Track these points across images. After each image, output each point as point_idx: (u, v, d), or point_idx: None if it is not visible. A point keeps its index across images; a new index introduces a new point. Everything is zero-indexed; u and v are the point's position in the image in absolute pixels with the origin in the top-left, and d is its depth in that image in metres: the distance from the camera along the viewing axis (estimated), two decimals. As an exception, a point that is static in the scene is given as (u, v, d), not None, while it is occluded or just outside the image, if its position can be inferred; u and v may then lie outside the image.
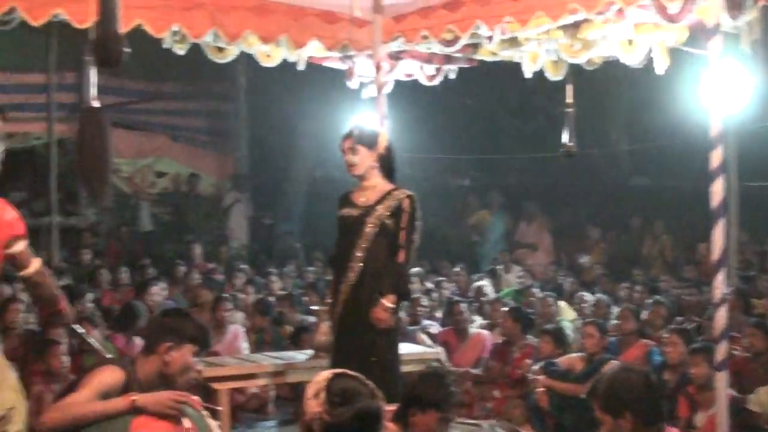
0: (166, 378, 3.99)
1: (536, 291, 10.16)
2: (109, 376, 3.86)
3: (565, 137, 7.19)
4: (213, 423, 3.93)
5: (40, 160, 14.62)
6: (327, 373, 3.49)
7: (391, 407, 3.87)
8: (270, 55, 7.60)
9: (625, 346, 7.51)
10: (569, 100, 6.87)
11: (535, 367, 7.38)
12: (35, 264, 4.40)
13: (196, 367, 4.07)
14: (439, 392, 4.40)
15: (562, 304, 9.62)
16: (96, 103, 4.98)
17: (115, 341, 7.84)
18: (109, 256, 13.30)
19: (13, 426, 4.52)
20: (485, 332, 8.64)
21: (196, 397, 3.82)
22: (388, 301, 5.66)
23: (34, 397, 6.60)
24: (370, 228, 5.76)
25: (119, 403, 3.70)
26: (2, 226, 4.25)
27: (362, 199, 5.87)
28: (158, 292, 9.33)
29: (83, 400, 3.71)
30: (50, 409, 3.77)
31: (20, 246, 4.33)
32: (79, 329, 5.42)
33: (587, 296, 9.50)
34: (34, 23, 6.23)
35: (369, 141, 5.85)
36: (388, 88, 7.58)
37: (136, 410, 3.67)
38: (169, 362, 3.96)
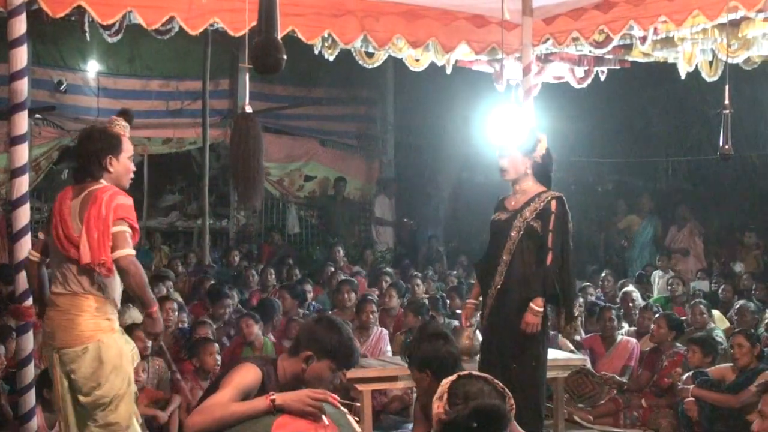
0: (300, 383, 4.00)
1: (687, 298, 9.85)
2: (248, 374, 3.90)
3: (721, 140, 6.93)
4: (352, 419, 3.96)
5: (195, 164, 15.20)
6: (453, 376, 3.50)
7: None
8: (418, 60, 7.66)
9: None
10: (726, 101, 6.61)
11: (685, 377, 7.16)
12: (125, 251, 4.61)
13: (333, 381, 4.05)
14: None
15: (717, 313, 9.27)
16: (248, 109, 5.12)
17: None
18: (260, 257, 13.65)
19: (114, 414, 4.67)
20: (633, 340, 8.42)
21: (334, 395, 3.82)
22: (536, 305, 5.55)
23: (185, 394, 6.86)
24: (515, 231, 5.68)
25: (260, 403, 3.72)
26: (113, 208, 4.59)
27: (512, 203, 5.81)
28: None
29: (226, 400, 3.76)
30: (194, 412, 3.80)
31: (118, 228, 4.60)
32: (161, 345, 5.41)
33: (751, 305, 9.10)
34: (192, 32, 6.48)
35: (526, 148, 5.76)
36: (536, 91, 7.51)
37: (276, 409, 3.69)
38: (305, 370, 3.99)
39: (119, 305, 4.86)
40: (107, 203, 4.59)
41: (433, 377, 4.40)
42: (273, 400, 3.69)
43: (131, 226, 4.68)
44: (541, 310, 5.57)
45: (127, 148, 4.85)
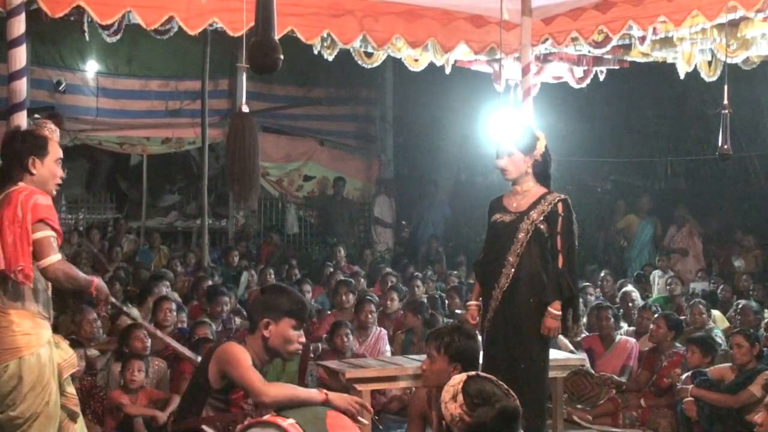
0: (271, 352, 4.26)
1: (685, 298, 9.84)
2: (247, 354, 4.17)
3: (720, 140, 6.94)
4: None
5: (194, 164, 15.19)
6: (461, 376, 3.52)
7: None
8: (417, 60, 7.66)
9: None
10: (725, 101, 6.62)
11: (684, 377, 7.16)
12: (52, 259, 4.30)
13: (300, 340, 4.31)
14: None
15: (717, 313, 9.26)
16: (246, 109, 5.12)
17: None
18: (260, 257, 13.65)
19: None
20: (632, 339, 8.42)
21: (370, 407, 4.29)
22: (554, 309, 5.56)
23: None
24: (523, 234, 5.65)
25: (317, 395, 4.12)
26: (30, 208, 4.28)
27: (514, 204, 5.78)
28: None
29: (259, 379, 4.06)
30: (269, 384, 4.08)
31: (41, 234, 4.29)
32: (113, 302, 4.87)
33: (753, 305, 9.08)
34: (191, 32, 6.47)
35: (526, 147, 5.75)
36: (535, 91, 7.51)
37: (327, 402, 4.07)
38: (268, 337, 4.21)
39: (50, 312, 4.51)
40: (23, 203, 4.27)
41: (458, 372, 4.44)
42: (327, 394, 4.11)
43: (53, 229, 4.35)
44: (560, 313, 5.58)
45: (54, 152, 4.54)
